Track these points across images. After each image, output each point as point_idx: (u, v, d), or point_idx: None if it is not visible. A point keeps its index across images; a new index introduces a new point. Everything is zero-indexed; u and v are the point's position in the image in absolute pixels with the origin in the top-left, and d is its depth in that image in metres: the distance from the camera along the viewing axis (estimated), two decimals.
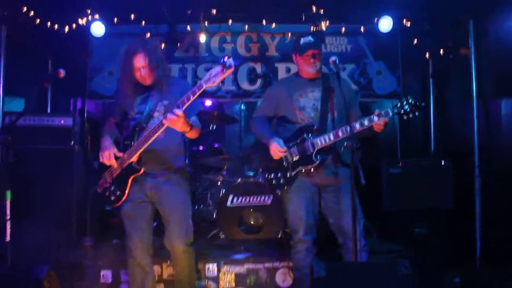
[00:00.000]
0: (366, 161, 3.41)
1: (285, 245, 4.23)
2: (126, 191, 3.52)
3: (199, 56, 6.38)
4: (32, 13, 5.57)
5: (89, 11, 5.86)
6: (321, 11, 5.86)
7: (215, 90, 6.27)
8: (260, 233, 4.82)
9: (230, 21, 6.15)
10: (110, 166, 3.56)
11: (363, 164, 3.12)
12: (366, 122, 3.49)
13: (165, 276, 4.36)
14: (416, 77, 6.74)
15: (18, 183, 4.76)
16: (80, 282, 4.27)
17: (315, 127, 3.69)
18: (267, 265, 4.46)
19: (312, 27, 5.96)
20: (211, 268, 4.44)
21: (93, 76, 6.29)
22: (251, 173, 5.58)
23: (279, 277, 4.44)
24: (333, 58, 3.57)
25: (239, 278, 4.44)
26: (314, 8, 5.83)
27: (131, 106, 3.62)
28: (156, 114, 3.53)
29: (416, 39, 6.20)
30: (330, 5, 5.89)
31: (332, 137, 3.59)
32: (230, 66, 3.04)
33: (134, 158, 3.47)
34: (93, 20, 5.91)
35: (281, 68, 6.38)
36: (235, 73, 6.24)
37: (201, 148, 6.04)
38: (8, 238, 3.23)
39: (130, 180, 3.51)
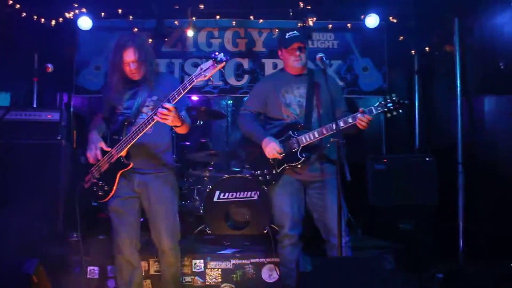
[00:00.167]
0: (352, 157, 3.45)
1: (272, 240, 4.24)
2: (114, 187, 3.51)
3: (187, 51, 6.38)
4: (18, 6, 5.52)
5: (76, 5, 5.81)
6: (309, 7, 5.88)
7: (202, 85, 6.25)
8: (246, 229, 4.83)
9: (218, 17, 6.16)
10: (97, 161, 3.55)
11: (348, 160, 3.14)
12: (350, 120, 3.52)
13: (151, 271, 4.36)
14: (402, 73, 6.80)
15: (4, 177, 4.77)
16: (67, 277, 4.26)
17: (300, 124, 3.71)
18: (253, 260, 4.46)
19: (299, 23, 5.99)
20: (198, 263, 4.45)
21: (80, 70, 6.24)
22: (238, 169, 5.59)
23: (265, 273, 4.46)
24: (320, 55, 3.59)
25: (225, 273, 4.44)
26: (301, 4, 5.85)
27: (120, 101, 3.59)
28: (145, 110, 3.51)
29: (402, 36, 6.27)
30: (317, 1, 5.91)
31: (317, 135, 3.62)
32: (221, 61, 3.05)
33: (122, 153, 3.45)
34: (80, 14, 5.86)
35: (268, 63, 6.39)
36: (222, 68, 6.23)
37: (188, 143, 6.05)
38: None
39: (118, 175, 3.50)
